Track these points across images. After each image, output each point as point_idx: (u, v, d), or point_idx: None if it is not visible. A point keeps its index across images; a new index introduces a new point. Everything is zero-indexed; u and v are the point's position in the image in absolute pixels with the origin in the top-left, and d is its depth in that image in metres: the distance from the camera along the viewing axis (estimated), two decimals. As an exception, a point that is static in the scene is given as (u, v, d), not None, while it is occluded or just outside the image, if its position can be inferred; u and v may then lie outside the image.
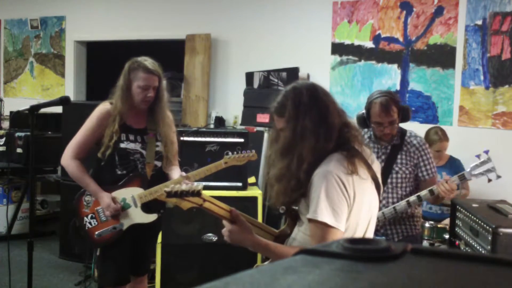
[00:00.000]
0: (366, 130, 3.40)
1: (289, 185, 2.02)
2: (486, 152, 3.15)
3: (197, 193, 2.03)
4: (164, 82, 3.22)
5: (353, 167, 1.98)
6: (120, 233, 3.14)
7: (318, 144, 2.00)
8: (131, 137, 3.14)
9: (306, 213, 2.04)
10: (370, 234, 2.11)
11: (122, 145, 3.11)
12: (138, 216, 3.15)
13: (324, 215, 1.93)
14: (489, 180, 3.18)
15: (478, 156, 3.15)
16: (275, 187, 2.08)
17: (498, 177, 3.14)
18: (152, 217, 3.17)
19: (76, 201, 3.23)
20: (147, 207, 3.16)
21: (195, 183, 2.11)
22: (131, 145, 3.12)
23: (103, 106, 3.16)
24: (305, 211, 2.06)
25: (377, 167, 2.16)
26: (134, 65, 3.10)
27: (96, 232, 3.15)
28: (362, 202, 2.02)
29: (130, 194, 3.14)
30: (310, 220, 1.97)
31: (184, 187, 2.02)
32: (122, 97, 3.08)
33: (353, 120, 2.21)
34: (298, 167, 1.99)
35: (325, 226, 1.93)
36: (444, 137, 4.52)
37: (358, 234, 2.04)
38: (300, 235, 2.12)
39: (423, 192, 3.20)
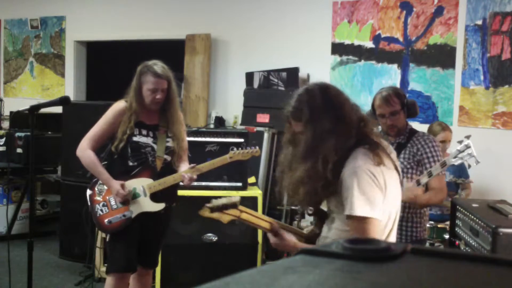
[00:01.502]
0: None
1: (317, 186, 2.07)
2: (468, 137, 3.13)
3: (235, 205, 2.14)
4: (175, 84, 3.42)
5: (379, 159, 2.06)
6: (129, 221, 3.31)
7: (339, 142, 2.05)
8: (144, 131, 3.36)
9: (338, 210, 2.12)
10: (396, 222, 2.20)
11: (135, 139, 3.32)
12: (147, 205, 3.33)
13: (361, 209, 2.01)
14: (469, 166, 3.16)
15: (459, 142, 3.13)
16: (300, 189, 2.12)
17: (477, 162, 3.12)
18: (160, 206, 3.35)
19: (89, 189, 3.43)
20: (156, 197, 3.34)
21: (233, 197, 2.21)
22: (143, 139, 3.34)
23: (119, 104, 3.37)
24: (336, 208, 2.14)
25: (394, 157, 2.25)
26: (144, 69, 3.32)
27: (107, 219, 3.33)
28: (392, 190, 2.11)
29: (140, 184, 3.33)
30: (348, 217, 2.05)
31: (223, 200, 2.13)
32: (135, 98, 3.31)
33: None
34: (324, 167, 2.04)
35: (364, 219, 2.02)
36: (447, 127, 4.53)
37: (391, 221, 2.15)
38: (334, 232, 2.17)
39: None
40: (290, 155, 2.19)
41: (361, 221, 2.02)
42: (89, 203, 3.42)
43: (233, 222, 2.23)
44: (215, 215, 2.14)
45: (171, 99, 3.36)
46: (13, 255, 4.52)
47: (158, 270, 4.26)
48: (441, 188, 3.23)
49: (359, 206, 2.01)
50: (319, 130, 2.06)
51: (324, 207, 2.26)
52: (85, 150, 3.34)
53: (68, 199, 5.26)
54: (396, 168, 2.18)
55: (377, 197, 2.04)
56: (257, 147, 3.56)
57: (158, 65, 3.31)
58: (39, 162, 5.42)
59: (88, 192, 3.43)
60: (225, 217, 2.16)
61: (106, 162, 3.39)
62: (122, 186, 3.27)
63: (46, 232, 6.04)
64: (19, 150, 5.83)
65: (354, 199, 2.00)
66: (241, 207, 2.16)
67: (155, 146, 3.36)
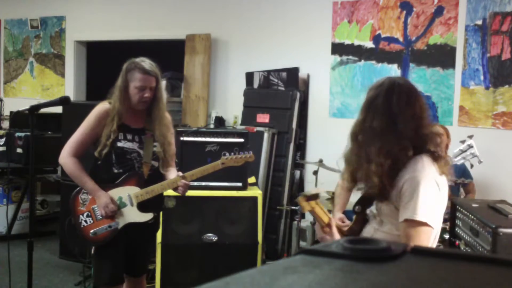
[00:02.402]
0: None
1: (366, 184, 2.13)
2: (470, 137, 3.14)
3: (318, 197, 2.24)
4: (163, 83, 3.22)
5: (441, 169, 2.11)
6: (116, 232, 3.14)
7: (387, 146, 2.07)
8: (129, 136, 3.15)
9: (391, 215, 2.14)
10: (439, 229, 2.24)
11: (120, 144, 3.11)
12: (134, 215, 3.14)
13: (423, 215, 2.03)
14: (472, 166, 3.17)
15: (462, 142, 3.14)
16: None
17: (480, 162, 3.13)
18: (148, 216, 3.17)
19: (72, 199, 3.23)
20: (143, 206, 3.16)
21: (318, 188, 2.27)
22: (128, 144, 3.13)
23: (102, 106, 3.17)
24: (390, 212, 2.15)
25: (449, 164, 2.28)
26: (131, 65, 3.12)
27: (91, 231, 3.15)
28: (446, 199, 2.16)
29: (127, 193, 3.13)
30: (407, 221, 2.06)
31: (313, 191, 2.23)
32: (120, 98, 3.10)
33: (432, 121, 2.31)
34: (367, 168, 2.09)
35: (422, 225, 2.04)
36: (440, 127, 4.58)
37: (439, 229, 2.18)
38: (382, 234, 2.20)
39: None
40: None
41: (418, 227, 2.04)
42: (71, 213, 3.23)
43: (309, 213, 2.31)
44: (305, 204, 2.22)
45: (157, 98, 3.14)
46: (13, 255, 4.52)
47: (158, 270, 4.26)
48: None
49: (422, 212, 2.02)
50: (368, 129, 2.10)
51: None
52: (66, 157, 3.14)
53: (68, 199, 5.25)
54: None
55: (437, 207, 2.09)
56: (251, 152, 3.37)
57: (146, 62, 3.11)
58: (39, 162, 5.42)
59: (71, 201, 3.23)
60: (307, 207, 2.23)
61: (90, 169, 3.20)
62: (112, 199, 3.09)
63: (46, 232, 6.04)
64: (19, 150, 5.82)
65: (418, 204, 2.02)
66: (318, 200, 2.26)
67: (141, 151, 3.14)
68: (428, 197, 2.04)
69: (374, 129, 2.09)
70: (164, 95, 3.25)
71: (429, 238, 2.08)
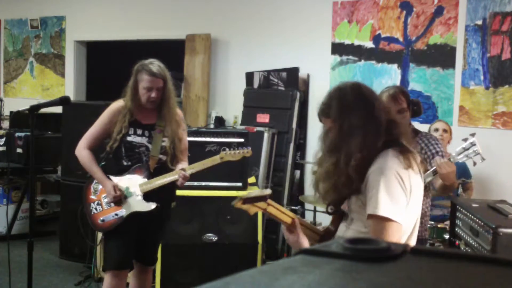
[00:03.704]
0: None
1: (338, 181, 2.07)
2: (473, 135, 3.11)
3: (264, 198, 2.18)
4: (171, 83, 3.42)
5: (408, 162, 2.05)
6: (122, 220, 3.34)
7: (367, 140, 2.04)
8: (139, 131, 3.37)
9: (359, 210, 2.11)
10: (417, 227, 2.18)
11: (129, 138, 3.35)
12: (138, 205, 3.35)
13: (385, 209, 1.98)
14: (474, 164, 3.14)
15: (464, 140, 3.12)
16: (323, 184, 2.13)
17: (483, 159, 3.10)
18: (150, 206, 3.35)
19: (85, 188, 3.48)
20: (148, 197, 3.36)
21: (265, 190, 2.25)
22: (137, 139, 3.36)
23: (116, 103, 3.42)
24: (357, 208, 2.12)
25: (419, 160, 2.22)
26: (140, 67, 3.34)
27: (100, 218, 3.39)
28: (417, 195, 2.10)
29: (133, 183, 3.35)
30: (370, 216, 2.02)
31: (256, 193, 2.19)
32: (131, 96, 3.34)
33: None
34: (346, 163, 2.04)
35: (387, 221, 1.99)
36: (445, 123, 4.59)
37: (411, 227, 2.12)
38: (351, 232, 2.17)
39: None
40: (320, 151, 2.22)
41: (383, 222, 1.99)
42: (83, 201, 3.47)
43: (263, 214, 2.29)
44: (245, 206, 2.17)
45: (165, 98, 3.35)
46: (13, 255, 4.52)
47: (158, 270, 4.26)
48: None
49: (383, 207, 1.98)
50: (346, 126, 2.06)
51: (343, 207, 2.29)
52: (82, 150, 3.40)
53: (68, 199, 5.25)
54: (420, 173, 2.16)
55: (402, 201, 2.02)
56: (249, 148, 3.53)
57: (154, 64, 3.33)
58: (39, 162, 5.42)
59: (84, 190, 3.48)
60: (253, 209, 2.20)
61: (104, 163, 3.44)
62: (115, 187, 3.31)
63: (46, 232, 6.04)
64: (19, 150, 5.82)
65: (379, 198, 1.98)
66: (269, 201, 2.20)
67: (149, 145, 3.37)
68: (390, 191, 1.99)
69: (353, 126, 2.04)
70: (174, 93, 3.45)
71: (397, 234, 2.01)
